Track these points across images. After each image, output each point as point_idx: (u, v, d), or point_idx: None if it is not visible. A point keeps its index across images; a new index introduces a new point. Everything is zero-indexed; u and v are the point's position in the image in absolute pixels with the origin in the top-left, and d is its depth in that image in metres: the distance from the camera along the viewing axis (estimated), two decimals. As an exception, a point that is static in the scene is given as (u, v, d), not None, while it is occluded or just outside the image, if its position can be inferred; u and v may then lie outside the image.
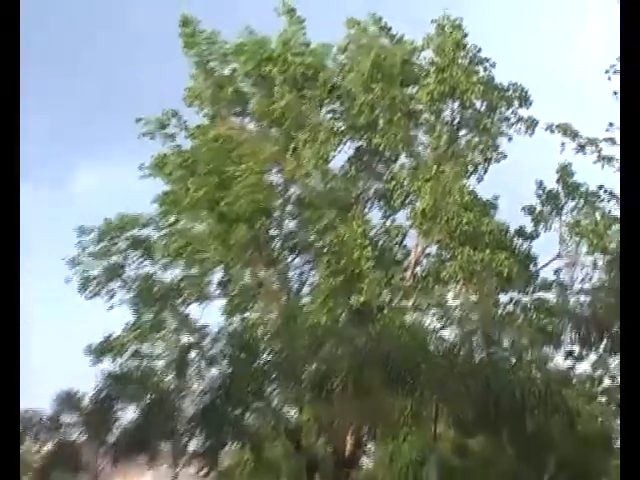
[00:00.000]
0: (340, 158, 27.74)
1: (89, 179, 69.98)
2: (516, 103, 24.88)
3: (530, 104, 24.80)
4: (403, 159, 27.15)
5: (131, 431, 27.73)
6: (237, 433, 26.66)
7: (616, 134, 21.59)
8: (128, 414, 28.51)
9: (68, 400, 28.70)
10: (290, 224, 28.90)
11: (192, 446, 28.01)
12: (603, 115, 20.43)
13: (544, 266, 25.38)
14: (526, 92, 24.74)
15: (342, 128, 27.20)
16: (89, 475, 29.49)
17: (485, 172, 25.42)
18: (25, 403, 28.49)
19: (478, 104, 25.28)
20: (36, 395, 33.30)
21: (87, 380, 28.75)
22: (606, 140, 22.82)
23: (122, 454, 28.26)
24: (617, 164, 22.08)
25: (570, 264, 24.71)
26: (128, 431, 27.82)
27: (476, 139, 25.34)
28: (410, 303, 24.84)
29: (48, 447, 30.44)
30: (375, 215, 28.21)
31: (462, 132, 25.75)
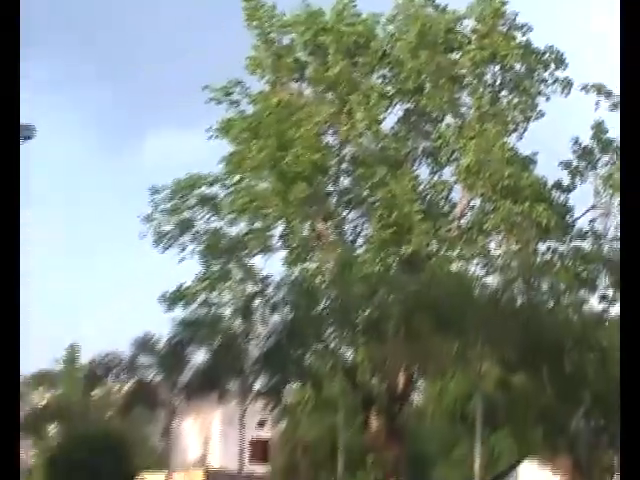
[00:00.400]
0: (390, 119, 28.71)
1: (159, 144, 71.87)
2: (552, 65, 25.86)
3: (566, 66, 25.76)
4: (449, 119, 28.00)
5: (202, 371, 29.10)
6: (299, 373, 28.19)
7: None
8: (199, 356, 29.74)
9: (145, 344, 29.95)
10: (345, 181, 29.72)
11: (258, 385, 29.44)
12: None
13: (580, 217, 26.36)
14: (562, 55, 25.72)
15: (392, 92, 28.12)
16: (166, 411, 31.27)
17: (525, 130, 26.39)
18: (106, 347, 30.35)
19: (517, 67, 26.27)
20: (116, 340, 35.42)
21: (162, 326, 29.89)
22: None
23: (195, 392, 29.73)
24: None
25: (604, 214, 25.82)
26: (200, 372, 29.17)
27: (516, 99, 26.41)
28: (456, 253, 25.86)
29: (128, 387, 32.25)
30: (423, 172, 28.94)
31: (503, 93, 26.77)
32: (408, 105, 28.85)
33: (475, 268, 26.55)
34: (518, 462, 30.35)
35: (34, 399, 42.47)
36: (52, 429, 42.12)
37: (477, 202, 26.83)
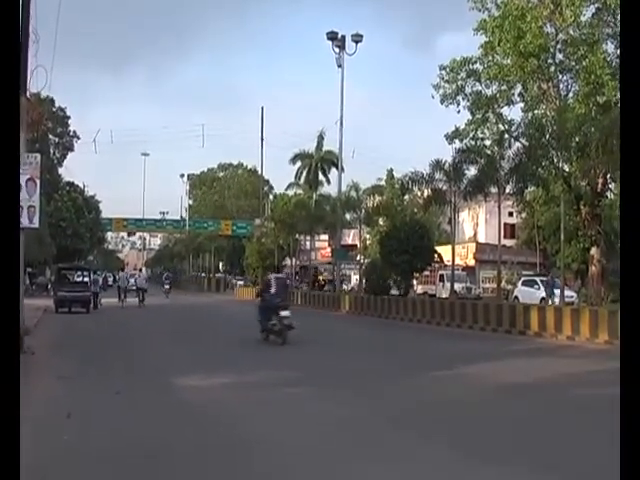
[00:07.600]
0: (587, 14, 34.18)
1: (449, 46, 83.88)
2: None
3: None
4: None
5: (473, 181, 36.09)
6: (534, 180, 34.36)
7: None
8: (471, 171, 36.77)
9: (437, 164, 37.02)
10: (559, 56, 34.95)
11: (508, 188, 35.76)
12: None
13: None
14: None
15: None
16: (450, 207, 38.38)
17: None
18: (411, 168, 37.79)
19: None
20: (419, 163, 46.55)
21: (447, 153, 38.34)
22: None
23: (469, 194, 36.58)
24: None
25: None
26: (471, 181, 36.23)
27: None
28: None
29: (426, 193, 40.40)
30: (610, 47, 34.01)
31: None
32: (598, 4, 33.59)
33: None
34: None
35: (368, 203, 48.53)
36: (381, 221, 50.16)
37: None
